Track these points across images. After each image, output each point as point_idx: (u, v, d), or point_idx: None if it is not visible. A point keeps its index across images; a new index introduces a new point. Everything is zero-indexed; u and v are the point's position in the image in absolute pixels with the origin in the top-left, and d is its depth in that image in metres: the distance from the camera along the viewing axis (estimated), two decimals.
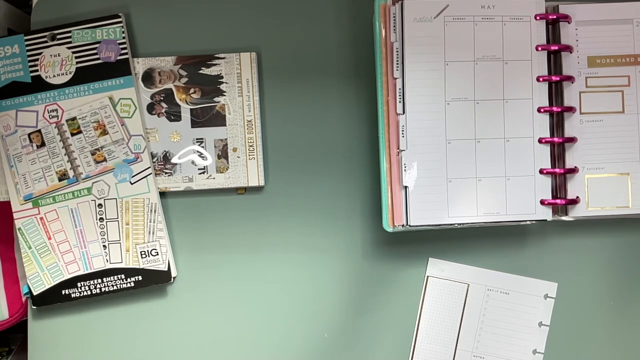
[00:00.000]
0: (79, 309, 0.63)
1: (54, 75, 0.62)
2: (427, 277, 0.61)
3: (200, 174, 0.63)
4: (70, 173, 0.62)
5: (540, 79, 0.58)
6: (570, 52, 0.59)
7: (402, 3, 0.57)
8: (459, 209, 0.58)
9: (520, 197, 0.58)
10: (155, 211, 0.62)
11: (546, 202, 0.58)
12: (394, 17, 0.58)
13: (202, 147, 0.63)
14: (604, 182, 0.59)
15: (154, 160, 0.63)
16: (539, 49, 0.58)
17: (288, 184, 0.64)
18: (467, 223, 0.58)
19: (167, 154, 0.63)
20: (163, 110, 0.63)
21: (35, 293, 0.61)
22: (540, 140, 0.58)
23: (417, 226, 0.58)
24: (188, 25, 0.64)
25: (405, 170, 0.57)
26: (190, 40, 0.64)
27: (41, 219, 0.62)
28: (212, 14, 0.64)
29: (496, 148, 0.58)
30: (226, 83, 0.63)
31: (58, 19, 0.63)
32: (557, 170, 0.58)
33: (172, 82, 0.63)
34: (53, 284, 0.61)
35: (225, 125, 0.63)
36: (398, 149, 0.58)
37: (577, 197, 0.59)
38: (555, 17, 0.59)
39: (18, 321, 0.67)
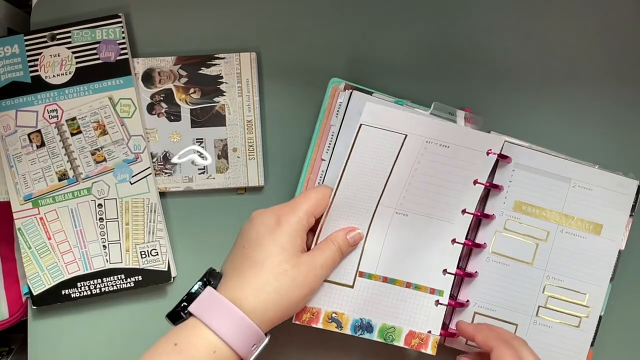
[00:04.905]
0: (79, 309, 0.63)
1: (53, 76, 0.62)
2: (360, 125, 0.54)
3: (200, 174, 0.63)
4: (70, 173, 0.62)
5: (465, 212, 0.56)
6: (500, 191, 0.58)
7: (351, 93, 0.57)
8: None
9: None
10: (155, 211, 0.62)
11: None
12: (339, 103, 0.58)
13: (202, 147, 0.63)
14: (490, 324, 0.57)
15: (154, 160, 0.63)
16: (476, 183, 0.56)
17: (288, 184, 0.64)
18: None
19: (167, 154, 0.63)
20: (163, 111, 0.63)
21: (35, 293, 0.61)
22: (444, 272, 0.57)
23: None
24: (188, 25, 0.64)
25: None
26: (190, 40, 0.64)
27: (41, 219, 0.62)
28: (212, 14, 0.64)
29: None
30: (226, 83, 0.63)
31: (58, 19, 0.63)
32: (451, 302, 0.57)
33: (172, 82, 0.63)
34: (53, 284, 0.61)
35: (225, 125, 0.63)
36: None
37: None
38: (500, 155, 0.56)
39: (18, 321, 0.67)
